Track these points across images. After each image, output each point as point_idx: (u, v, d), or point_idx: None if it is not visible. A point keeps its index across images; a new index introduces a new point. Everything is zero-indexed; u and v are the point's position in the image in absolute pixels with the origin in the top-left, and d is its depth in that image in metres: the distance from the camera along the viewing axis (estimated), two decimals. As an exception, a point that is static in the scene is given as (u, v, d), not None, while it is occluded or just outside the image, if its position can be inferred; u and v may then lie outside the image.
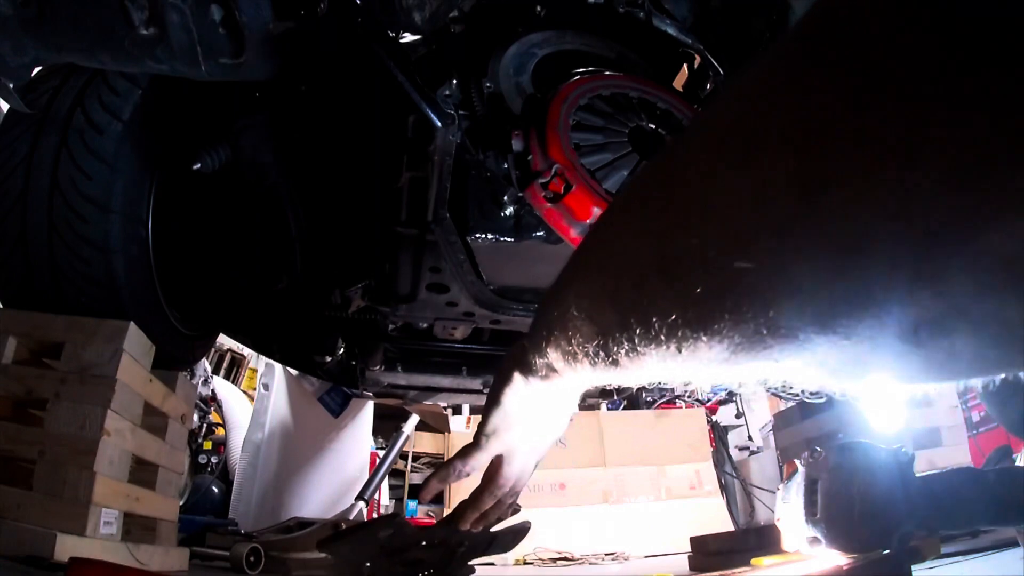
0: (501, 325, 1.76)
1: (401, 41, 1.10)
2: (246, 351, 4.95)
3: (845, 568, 1.02)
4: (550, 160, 1.21)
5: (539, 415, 0.75)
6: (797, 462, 1.20)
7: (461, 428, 3.81)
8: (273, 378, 3.39)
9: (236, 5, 0.94)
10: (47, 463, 1.15)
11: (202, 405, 3.78)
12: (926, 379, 0.32)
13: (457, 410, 3.70)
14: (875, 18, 0.26)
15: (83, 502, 1.12)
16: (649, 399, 5.54)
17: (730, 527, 4.09)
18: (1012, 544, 1.42)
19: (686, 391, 4.88)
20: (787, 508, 1.20)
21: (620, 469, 4.27)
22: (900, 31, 0.25)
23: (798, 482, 1.15)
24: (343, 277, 1.58)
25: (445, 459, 4.22)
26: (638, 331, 0.40)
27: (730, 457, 5.03)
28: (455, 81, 1.43)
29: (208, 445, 3.77)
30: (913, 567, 0.99)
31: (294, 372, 3.32)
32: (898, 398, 1.97)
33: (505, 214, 1.37)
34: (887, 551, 1.00)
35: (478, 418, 0.78)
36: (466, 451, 0.80)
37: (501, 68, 1.45)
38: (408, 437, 3.57)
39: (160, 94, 1.40)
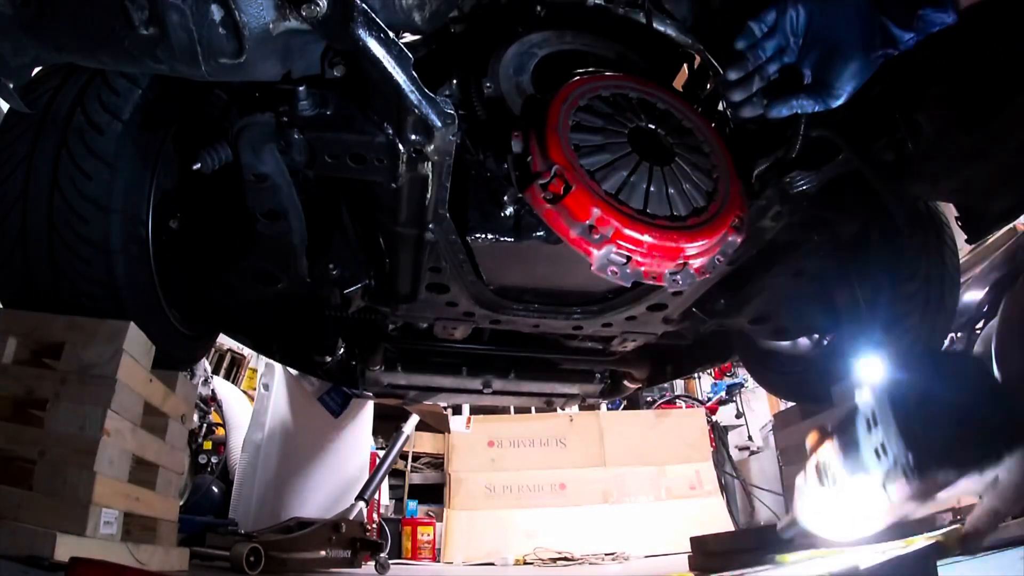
0: (501, 325, 1.76)
1: (401, 41, 1.10)
2: (246, 351, 4.95)
3: (869, 566, 0.93)
4: (549, 161, 1.21)
5: None
6: (826, 427, 1.02)
7: (461, 428, 3.81)
8: (273, 378, 3.39)
9: (236, 5, 0.94)
10: (47, 463, 1.15)
11: (202, 405, 3.78)
12: None
13: (457, 410, 3.70)
14: None
15: (83, 502, 1.12)
16: (649, 399, 5.54)
17: (730, 527, 4.09)
18: (1012, 544, 1.42)
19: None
20: (813, 493, 1.04)
21: (620, 469, 4.27)
22: None
23: (822, 458, 1.01)
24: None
25: (445, 459, 4.24)
26: None
27: (730, 457, 5.04)
28: (455, 81, 1.43)
29: (208, 445, 3.78)
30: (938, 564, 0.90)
31: (294, 372, 3.32)
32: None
33: (505, 214, 1.37)
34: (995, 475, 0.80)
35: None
36: None
37: (501, 68, 1.45)
38: (408, 437, 3.57)
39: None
